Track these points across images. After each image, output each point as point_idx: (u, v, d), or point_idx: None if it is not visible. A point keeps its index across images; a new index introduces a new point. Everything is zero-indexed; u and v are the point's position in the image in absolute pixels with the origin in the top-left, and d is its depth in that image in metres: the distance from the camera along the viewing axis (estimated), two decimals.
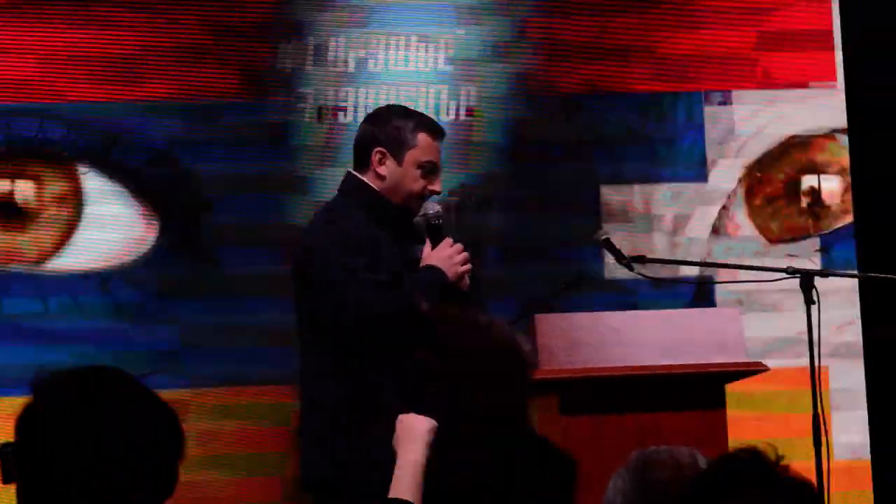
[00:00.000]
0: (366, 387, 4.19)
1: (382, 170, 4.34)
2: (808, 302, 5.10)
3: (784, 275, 5.26)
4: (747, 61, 8.31)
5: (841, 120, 8.23)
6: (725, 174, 8.26)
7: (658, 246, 8.08)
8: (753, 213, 8.23)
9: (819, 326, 5.05)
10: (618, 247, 5.22)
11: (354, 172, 4.43)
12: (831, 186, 8.31)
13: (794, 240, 8.20)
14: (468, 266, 4.36)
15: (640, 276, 5.24)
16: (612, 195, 8.17)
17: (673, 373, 4.76)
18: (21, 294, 7.49)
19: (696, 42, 8.27)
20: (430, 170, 4.41)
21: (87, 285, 7.49)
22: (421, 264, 4.36)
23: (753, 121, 8.32)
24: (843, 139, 8.27)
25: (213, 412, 7.35)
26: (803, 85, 8.29)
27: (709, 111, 8.32)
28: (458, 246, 4.36)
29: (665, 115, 8.29)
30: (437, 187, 4.43)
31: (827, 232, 8.25)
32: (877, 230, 8.16)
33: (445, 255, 4.31)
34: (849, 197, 8.26)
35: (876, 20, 8.19)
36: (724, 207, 8.21)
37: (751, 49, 8.32)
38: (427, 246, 4.40)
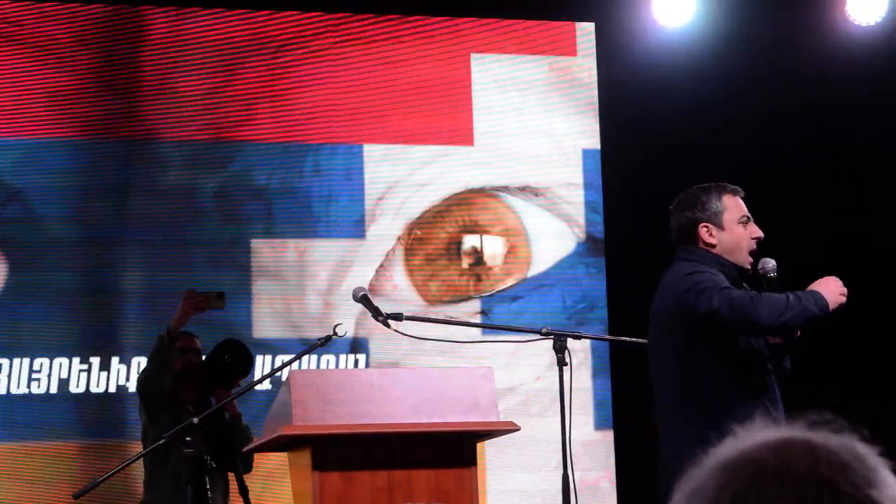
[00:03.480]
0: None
1: (712, 239, 4.83)
2: (561, 363, 5.20)
3: (538, 336, 5.33)
4: (402, 117, 8.04)
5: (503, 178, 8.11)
6: (384, 231, 7.95)
7: (312, 303, 7.76)
8: (412, 272, 7.96)
9: (571, 386, 5.14)
10: (375, 303, 5.22)
11: (694, 247, 4.85)
12: (494, 247, 8.12)
13: (453, 301, 7.99)
14: (845, 298, 4.69)
15: (398, 333, 5.25)
16: (263, 250, 7.80)
17: (425, 430, 4.76)
18: None
19: (354, 94, 7.98)
20: (746, 221, 4.85)
21: None
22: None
23: (414, 177, 8.05)
24: (508, 198, 8.12)
25: None
26: (466, 141, 8.07)
27: (369, 164, 7.99)
28: (839, 280, 4.73)
29: (322, 167, 7.94)
30: (759, 233, 4.87)
31: (489, 294, 8.04)
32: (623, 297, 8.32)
33: (828, 283, 4.70)
34: (512, 258, 8.08)
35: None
36: (381, 266, 7.92)
37: (406, 105, 8.05)
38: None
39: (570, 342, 5.32)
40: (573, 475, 5.17)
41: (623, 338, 5.93)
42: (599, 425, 8.06)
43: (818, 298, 4.65)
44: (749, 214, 4.89)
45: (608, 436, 8.05)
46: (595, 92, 8.40)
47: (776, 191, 8.41)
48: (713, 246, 4.82)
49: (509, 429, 5.04)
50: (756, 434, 1.33)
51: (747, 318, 4.54)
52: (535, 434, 7.35)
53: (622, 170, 8.35)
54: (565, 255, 8.21)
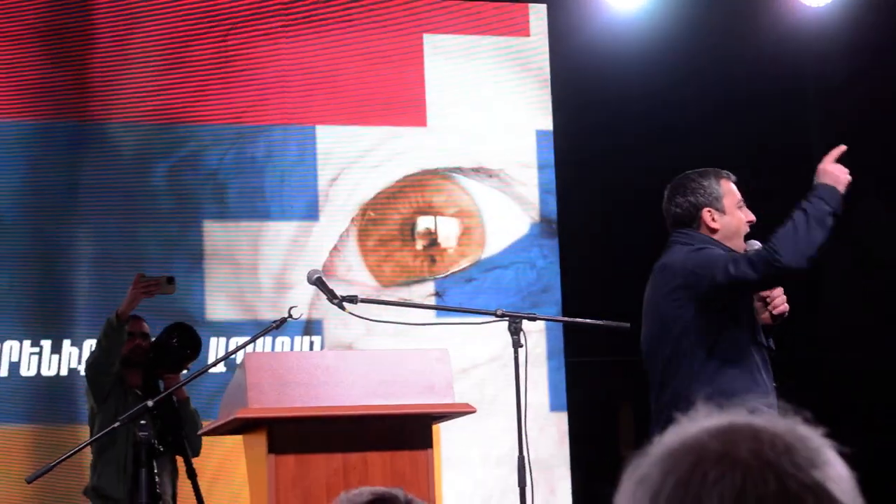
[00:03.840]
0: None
1: (715, 224, 4.86)
2: (517, 345, 5.19)
3: (493, 318, 5.33)
4: (355, 98, 7.98)
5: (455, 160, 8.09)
6: (338, 213, 7.90)
7: (265, 285, 7.70)
8: (366, 254, 7.91)
9: (526, 368, 5.14)
10: (329, 286, 5.20)
11: (693, 231, 4.86)
12: (448, 229, 8.09)
13: (407, 283, 7.95)
14: (849, 175, 4.69)
15: (353, 315, 5.23)
16: (216, 232, 7.73)
17: (381, 413, 4.76)
18: None
19: (307, 75, 7.93)
20: (741, 205, 4.91)
21: None
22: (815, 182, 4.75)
23: (368, 158, 7.99)
24: (462, 179, 8.09)
25: None
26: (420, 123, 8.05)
27: (322, 145, 7.92)
28: (838, 148, 4.75)
29: (275, 148, 7.87)
30: (752, 217, 4.91)
31: (443, 276, 8.01)
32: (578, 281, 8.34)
33: (825, 170, 4.71)
34: (466, 239, 8.05)
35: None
36: (335, 248, 7.86)
37: (359, 86, 7.99)
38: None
39: (526, 324, 5.32)
40: (528, 456, 5.17)
41: (578, 319, 5.93)
42: (554, 407, 8.08)
43: (826, 193, 4.64)
44: (742, 199, 4.91)
45: (563, 417, 8.08)
46: (548, 73, 8.40)
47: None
48: (715, 231, 4.85)
49: (465, 410, 5.04)
50: (699, 421, 1.33)
51: (771, 266, 4.53)
52: (490, 416, 7.37)
53: (575, 151, 8.36)
54: (520, 236, 8.21)
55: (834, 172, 4.70)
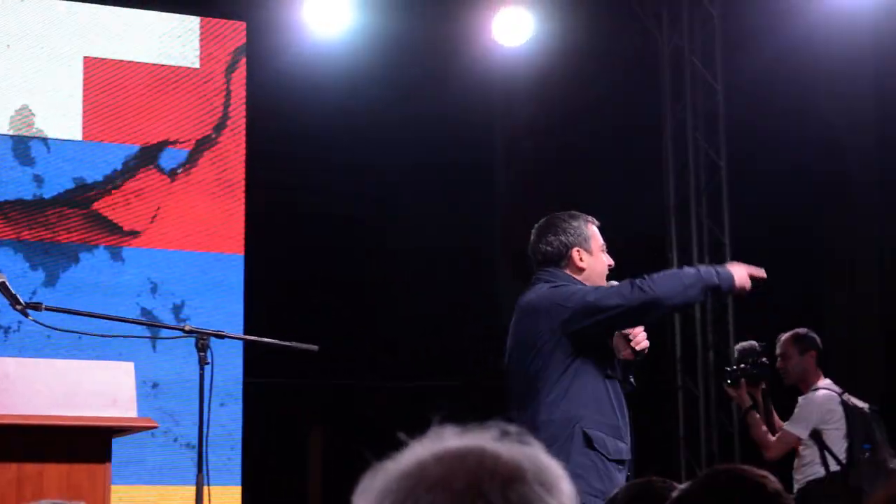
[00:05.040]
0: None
1: (582, 264, 5.00)
2: (203, 362, 5.16)
3: (181, 333, 5.30)
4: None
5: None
6: None
7: None
8: None
9: (211, 385, 5.12)
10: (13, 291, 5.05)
11: (558, 270, 4.99)
12: None
13: None
14: (748, 289, 4.84)
15: (37, 323, 5.09)
16: None
17: (60, 424, 4.65)
18: None
19: None
20: (604, 250, 5.06)
21: None
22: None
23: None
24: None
25: None
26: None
27: None
28: (760, 271, 4.87)
29: None
30: (612, 262, 5.06)
31: None
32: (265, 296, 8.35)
33: (739, 265, 4.87)
34: None
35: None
36: None
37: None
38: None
39: (213, 341, 5.30)
40: (207, 475, 5.14)
41: (266, 339, 5.94)
42: (235, 426, 8.05)
43: (724, 275, 4.81)
44: (604, 244, 5.09)
45: (237, 433, 8.06)
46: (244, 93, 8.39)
47: (409, 203, 8.64)
48: (581, 270, 4.99)
49: (146, 425, 4.98)
50: (433, 443, 1.32)
51: (640, 291, 4.70)
52: (172, 431, 7.30)
53: (270, 178, 8.38)
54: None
55: (743, 273, 4.87)
